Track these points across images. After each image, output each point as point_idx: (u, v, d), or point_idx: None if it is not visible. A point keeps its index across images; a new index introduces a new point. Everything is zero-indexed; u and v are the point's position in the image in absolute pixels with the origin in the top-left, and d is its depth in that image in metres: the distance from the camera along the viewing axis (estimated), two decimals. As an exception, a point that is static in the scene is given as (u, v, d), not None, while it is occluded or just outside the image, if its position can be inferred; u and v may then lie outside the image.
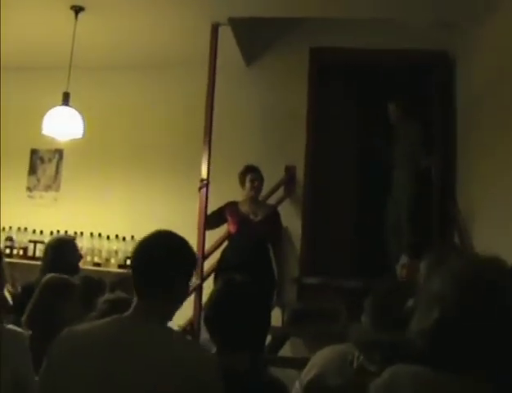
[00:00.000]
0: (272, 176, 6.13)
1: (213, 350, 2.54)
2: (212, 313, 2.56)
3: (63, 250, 4.86)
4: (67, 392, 2.04)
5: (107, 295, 2.97)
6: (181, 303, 2.30)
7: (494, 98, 5.33)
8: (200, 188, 5.47)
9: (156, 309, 2.16)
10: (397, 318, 1.98)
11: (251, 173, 5.68)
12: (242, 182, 5.73)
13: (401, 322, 1.74)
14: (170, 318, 2.28)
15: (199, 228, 5.37)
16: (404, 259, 5.61)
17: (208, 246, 5.71)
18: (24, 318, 3.35)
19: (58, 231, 6.68)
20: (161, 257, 2.19)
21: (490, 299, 1.48)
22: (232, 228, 5.66)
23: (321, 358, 2.73)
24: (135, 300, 2.21)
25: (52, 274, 3.62)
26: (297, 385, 2.70)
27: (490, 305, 1.47)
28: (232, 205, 5.70)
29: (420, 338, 1.49)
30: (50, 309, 3.31)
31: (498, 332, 1.45)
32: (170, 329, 2.21)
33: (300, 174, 6.73)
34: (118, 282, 5.69)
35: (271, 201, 6.31)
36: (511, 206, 4.65)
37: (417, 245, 5.56)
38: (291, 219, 6.53)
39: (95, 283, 4.06)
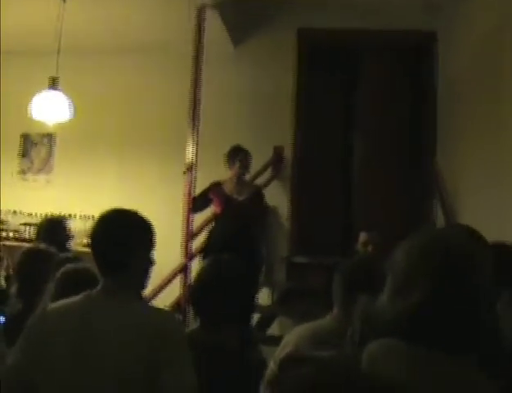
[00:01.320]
0: (260, 156, 6.17)
1: (194, 326, 2.65)
2: (199, 290, 2.67)
3: (53, 229, 4.94)
4: (44, 369, 2.14)
5: (66, 266, 3.01)
6: (146, 274, 2.36)
7: (474, 73, 5.40)
8: (185, 172, 5.50)
9: (121, 284, 2.25)
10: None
11: (240, 153, 5.69)
12: (229, 162, 5.71)
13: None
14: (139, 290, 2.40)
15: (184, 211, 5.43)
16: (363, 236, 5.55)
17: (195, 225, 5.78)
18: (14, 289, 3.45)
19: (51, 213, 6.74)
20: (116, 233, 2.28)
21: (463, 277, 1.51)
22: (217, 209, 5.70)
23: (294, 336, 2.80)
24: (101, 277, 2.29)
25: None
26: (271, 364, 2.78)
27: (463, 284, 1.50)
28: (216, 186, 5.71)
29: (399, 321, 1.52)
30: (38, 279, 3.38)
31: (475, 310, 1.49)
32: (137, 301, 2.31)
33: (288, 154, 6.79)
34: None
35: (260, 180, 6.37)
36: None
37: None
38: (280, 198, 6.61)
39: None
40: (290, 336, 2.85)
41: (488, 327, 1.55)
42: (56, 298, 2.59)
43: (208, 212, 5.89)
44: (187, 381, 2.10)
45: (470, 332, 1.49)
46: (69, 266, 2.99)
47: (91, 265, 2.95)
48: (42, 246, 3.90)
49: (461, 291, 1.49)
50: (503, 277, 2.86)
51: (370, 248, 5.36)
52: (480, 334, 1.51)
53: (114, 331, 2.12)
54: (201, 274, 2.70)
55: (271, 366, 2.76)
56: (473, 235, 2.98)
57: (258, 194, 5.83)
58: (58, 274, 2.92)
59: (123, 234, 2.28)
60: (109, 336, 2.12)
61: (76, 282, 2.73)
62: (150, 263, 2.35)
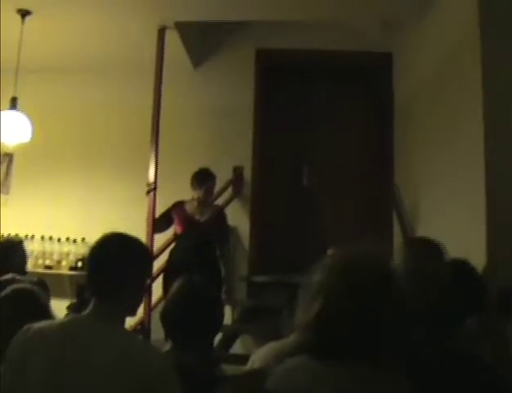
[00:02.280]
0: (220, 176, 6.17)
1: (166, 348, 2.66)
2: (172, 311, 2.67)
3: (9, 251, 4.87)
4: (24, 389, 2.11)
5: (13, 286, 2.96)
6: (139, 302, 2.38)
7: (428, 94, 5.54)
8: (148, 192, 5.50)
9: (112, 310, 2.24)
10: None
11: (208, 181, 5.73)
12: (194, 184, 5.73)
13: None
14: (127, 316, 2.37)
15: (147, 232, 5.42)
16: (331, 251, 5.59)
17: (157, 246, 5.77)
18: None
19: (9, 234, 6.66)
20: (115, 259, 2.27)
21: (365, 289, 1.58)
22: (178, 229, 5.74)
23: (259, 356, 2.86)
24: (92, 300, 2.28)
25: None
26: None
27: (365, 296, 1.57)
28: (179, 206, 5.76)
29: (305, 331, 1.59)
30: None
31: (374, 319, 1.56)
32: (125, 330, 2.31)
33: (248, 174, 6.85)
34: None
35: (220, 201, 6.41)
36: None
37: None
38: (240, 218, 6.66)
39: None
40: (256, 356, 2.91)
41: (391, 339, 1.60)
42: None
43: (169, 232, 5.91)
44: None
45: (373, 345, 1.56)
46: (11, 288, 2.91)
47: (36, 288, 2.93)
48: None
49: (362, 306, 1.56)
50: (466, 302, 2.98)
51: None
52: (382, 346, 1.57)
53: (102, 358, 2.10)
54: (174, 296, 2.70)
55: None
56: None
57: (219, 214, 5.88)
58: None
59: (124, 261, 2.28)
60: (96, 363, 2.09)
61: (16, 304, 2.72)
62: (143, 291, 2.40)
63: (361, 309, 1.55)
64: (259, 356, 2.87)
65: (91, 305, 2.27)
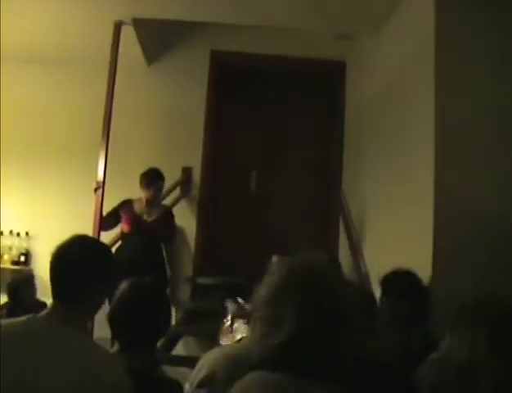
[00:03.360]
0: (169, 176, 6.13)
1: (113, 349, 2.62)
2: (119, 313, 2.62)
3: None
4: None
5: None
6: (100, 307, 2.34)
7: (379, 105, 5.63)
8: (96, 190, 5.43)
9: (74, 313, 2.19)
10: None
11: (158, 182, 5.73)
12: (143, 184, 5.72)
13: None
14: (87, 321, 2.38)
15: (94, 230, 5.35)
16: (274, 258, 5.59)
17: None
18: None
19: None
20: (81, 263, 2.23)
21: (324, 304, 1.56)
22: (125, 228, 5.71)
23: (208, 359, 2.84)
24: (51, 302, 2.23)
25: None
26: (187, 386, 2.79)
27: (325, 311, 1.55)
28: (127, 204, 5.74)
29: (276, 350, 1.55)
30: None
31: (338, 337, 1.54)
32: (86, 335, 2.29)
33: (197, 175, 6.83)
34: (21, 281, 5.62)
35: (168, 200, 6.38)
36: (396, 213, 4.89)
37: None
38: (186, 219, 6.62)
39: None
40: (205, 359, 2.88)
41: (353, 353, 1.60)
42: None
43: (116, 231, 5.85)
44: None
45: (335, 359, 1.54)
46: None
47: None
48: None
49: (324, 320, 1.54)
50: (411, 311, 3.03)
51: None
52: (344, 360, 1.56)
53: (58, 362, 2.04)
54: (121, 297, 2.65)
55: (187, 388, 2.78)
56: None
57: (167, 215, 5.87)
58: None
59: (89, 265, 2.24)
60: (56, 366, 2.03)
61: None
62: (105, 296, 2.35)
63: (323, 315, 1.54)
64: (208, 360, 2.84)
65: (49, 308, 2.22)
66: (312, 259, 1.69)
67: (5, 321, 2.24)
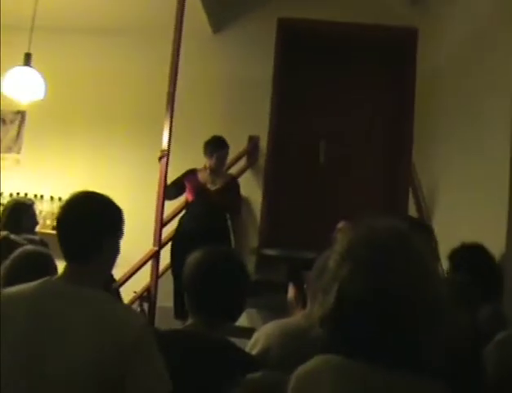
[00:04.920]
0: (235, 145, 6.08)
1: (188, 321, 2.47)
2: (198, 283, 2.43)
3: (19, 213, 4.86)
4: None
5: (23, 249, 2.88)
6: (113, 262, 2.27)
7: (453, 70, 5.42)
8: (160, 158, 5.40)
9: (87, 271, 2.14)
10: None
11: (219, 151, 5.64)
12: (206, 152, 5.66)
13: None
14: (102, 279, 2.30)
15: (158, 198, 5.34)
16: (342, 224, 5.47)
17: (167, 212, 5.69)
18: None
19: (18, 193, 6.61)
20: (87, 218, 2.17)
21: (383, 275, 1.39)
22: (190, 197, 5.66)
23: (263, 334, 2.77)
24: (65, 263, 2.18)
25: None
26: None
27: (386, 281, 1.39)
28: (191, 174, 5.69)
29: (321, 325, 1.44)
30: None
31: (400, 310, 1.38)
32: (101, 291, 2.16)
33: (263, 145, 6.73)
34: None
35: (234, 170, 6.31)
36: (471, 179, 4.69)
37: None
38: (252, 189, 6.55)
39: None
40: (260, 333, 2.82)
41: (429, 336, 1.43)
42: (7, 283, 2.45)
43: (180, 200, 5.83)
44: (161, 385, 1.98)
45: (407, 342, 1.38)
46: (22, 249, 2.85)
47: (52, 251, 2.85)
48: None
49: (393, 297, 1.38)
50: (482, 288, 2.86)
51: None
52: (419, 344, 1.40)
53: (77, 323, 1.99)
54: (199, 266, 2.44)
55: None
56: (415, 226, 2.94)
57: (232, 184, 5.80)
58: (10, 257, 2.78)
59: (95, 220, 2.17)
60: (71, 328, 1.99)
61: (28, 265, 2.64)
62: (117, 251, 2.26)
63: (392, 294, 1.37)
64: (264, 334, 2.77)
65: (64, 268, 2.18)
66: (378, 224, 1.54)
67: (17, 287, 2.17)
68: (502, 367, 2.35)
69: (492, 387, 2.24)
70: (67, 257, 2.18)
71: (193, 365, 2.20)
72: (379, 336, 1.37)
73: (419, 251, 1.45)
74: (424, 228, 3.90)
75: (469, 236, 3.41)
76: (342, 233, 1.50)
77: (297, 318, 2.84)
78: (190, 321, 2.46)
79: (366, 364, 1.36)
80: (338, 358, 1.39)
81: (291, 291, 3.04)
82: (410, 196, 6.33)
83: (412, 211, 6.21)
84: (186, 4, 5.68)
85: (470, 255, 3.19)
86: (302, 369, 1.41)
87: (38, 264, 2.69)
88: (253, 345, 2.73)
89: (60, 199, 6.61)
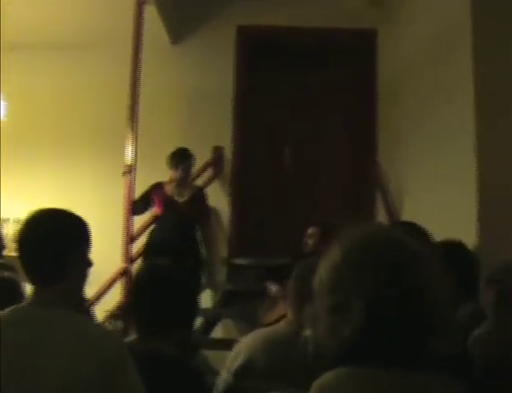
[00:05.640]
0: (200, 156, 6.05)
1: (132, 336, 2.47)
2: (134, 297, 2.50)
3: None
4: None
5: None
6: (84, 277, 2.16)
7: (415, 71, 5.44)
8: (125, 173, 5.35)
9: (55, 291, 2.03)
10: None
11: (184, 163, 5.63)
12: (171, 164, 5.65)
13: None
14: (74, 297, 2.19)
15: (125, 214, 5.28)
16: (311, 229, 5.47)
17: (136, 227, 5.64)
18: None
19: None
20: (47, 236, 2.04)
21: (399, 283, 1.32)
22: (158, 210, 5.65)
23: (246, 344, 2.73)
24: (31, 287, 2.09)
25: None
26: (225, 373, 2.68)
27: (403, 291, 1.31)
28: (158, 187, 5.67)
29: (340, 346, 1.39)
30: None
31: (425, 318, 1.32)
32: (73, 313, 2.07)
33: (228, 154, 6.70)
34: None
35: (200, 181, 6.27)
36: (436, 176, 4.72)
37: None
38: (220, 199, 6.52)
39: None
40: (241, 345, 2.77)
41: (444, 335, 1.37)
42: None
43: (147, 215, 5.78)
44: None
45: (422, 345, 1.32)
46: None
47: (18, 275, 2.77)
48: None
49: (406, 303, 1.31)
50: (461, 287, 2.85)
51: (310, 242, 5.32)
52: (435, 345, 1.34)
53: (55, 348, 1.92)
54: (136, 280, 2.54)
55: (225, 375, 2.67)
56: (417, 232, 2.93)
57: (199, 195, 5.79)
58: None
59: (56, 237, 2.04)
60: (49, 354, 1.91)
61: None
62: (87, 265, 2.14)
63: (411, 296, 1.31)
64: (245, 345, 2.73)
65: (32, 294, 2.08)
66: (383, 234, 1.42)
67: None
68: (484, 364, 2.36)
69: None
70: (31, 280, 2.07)
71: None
72: (414, 345, 1.34)
73: (420, 251, 1.42)
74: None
75: (438, 237, 3.41)
76: (333, 244, 1.41)
77: (280, 325, 2.80)
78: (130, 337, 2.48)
79: (385, 372, 1.32)
80: (357, 369, 1.33)
81: (274, 287, 3.05)
82: (379, 198, 6.35)
83: (381, 214, 6.23)
84: (144, 16, 5.64)
85: (449, 253, 3.18)
86: (322, 381, 1.37)
87: (4, 292, 2.61)
88: (234, 358, 2.68)
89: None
